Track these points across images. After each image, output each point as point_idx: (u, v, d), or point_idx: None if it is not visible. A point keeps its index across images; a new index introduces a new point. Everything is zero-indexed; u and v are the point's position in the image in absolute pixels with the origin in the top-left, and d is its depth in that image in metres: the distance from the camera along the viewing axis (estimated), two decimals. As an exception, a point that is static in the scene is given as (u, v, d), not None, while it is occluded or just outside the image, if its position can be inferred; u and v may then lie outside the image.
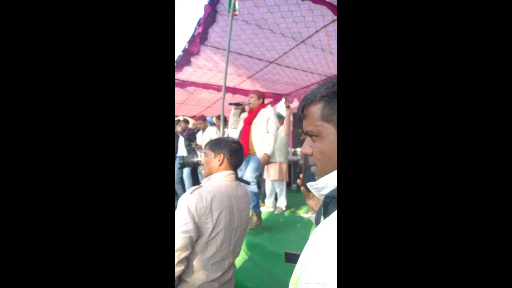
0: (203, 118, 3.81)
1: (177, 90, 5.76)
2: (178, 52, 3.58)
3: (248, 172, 2.84)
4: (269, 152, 2.73)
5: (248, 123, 2.85)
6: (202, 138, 3.63)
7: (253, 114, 2.83)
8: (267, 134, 2.76)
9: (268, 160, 2.78)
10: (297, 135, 5.19)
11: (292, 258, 1.17)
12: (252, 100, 2.85)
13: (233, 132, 3.59)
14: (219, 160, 1.22)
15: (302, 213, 3.65)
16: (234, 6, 2.43)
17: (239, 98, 6.34)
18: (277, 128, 2.85)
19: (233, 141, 1.29)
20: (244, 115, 2.98)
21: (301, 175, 0.67)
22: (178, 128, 4.14)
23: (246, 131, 2.86)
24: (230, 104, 2.79)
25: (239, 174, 2.85)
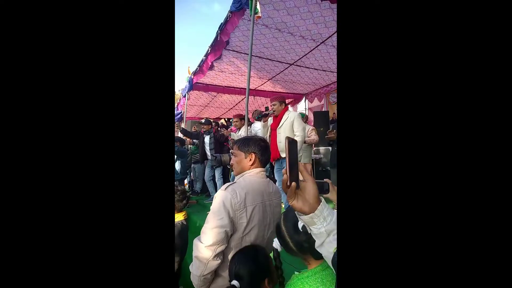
0: (240, 117, 3.92)
1: (201, 94, 5.96)
2: (199, 56, 3.72)
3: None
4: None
5: (274, 128, 2.92)
6: (238, 136, 3.76)
7: (278, 119, 2.90)
8: (296, 136, 2.84)
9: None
10: (319, 133, 5.16)
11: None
12: (275, 107, 2.91)
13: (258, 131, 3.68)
14: (251, 160, 1.23)
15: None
16: (256, 8, 2.46)
17: (259, 100, 6.43)
18: (304, 129, 2.89)
19: (261, 140, 1.31)
20: (270, 121, 3.06)
21: (284, 170, 0.53)
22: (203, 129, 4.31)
23: (274, 136, 2.90)
24: (258, 118, 2.88)
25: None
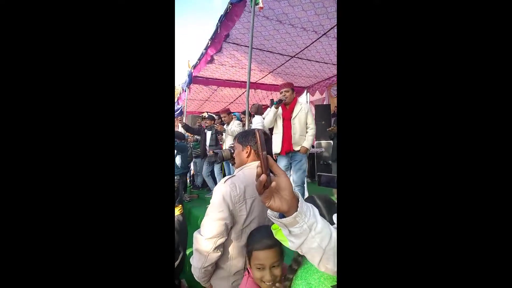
0: (228, 112, 3.92)
1: (201, 88, 5.93)
2: (196, 49, 3.70)
3: (297, 174, 2.72)
4: (308, 146, 2.72)
5: (288, 118, 2.72)
6: (231, 131, 3.77)
7: (290, 109, 2.75)
8: (309, 129, 2.75)
9: (306, 152, 2.76)
10: (320, 127, 5.14)
11: (325, 181, 1.09)
12: (288, 94, 2.65)
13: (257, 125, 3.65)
14: (247, 152, 1.24)
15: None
16: (256, -1, 2.41)
17: (260, 94, 6.40)
18: (314, 123, 2.83)
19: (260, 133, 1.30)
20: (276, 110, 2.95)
21: (259, 169, 0.46)
22: (204, 124, 4.30)
23: (288, 127, 2.73)
24: (276, 103, 2.75)
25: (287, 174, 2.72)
